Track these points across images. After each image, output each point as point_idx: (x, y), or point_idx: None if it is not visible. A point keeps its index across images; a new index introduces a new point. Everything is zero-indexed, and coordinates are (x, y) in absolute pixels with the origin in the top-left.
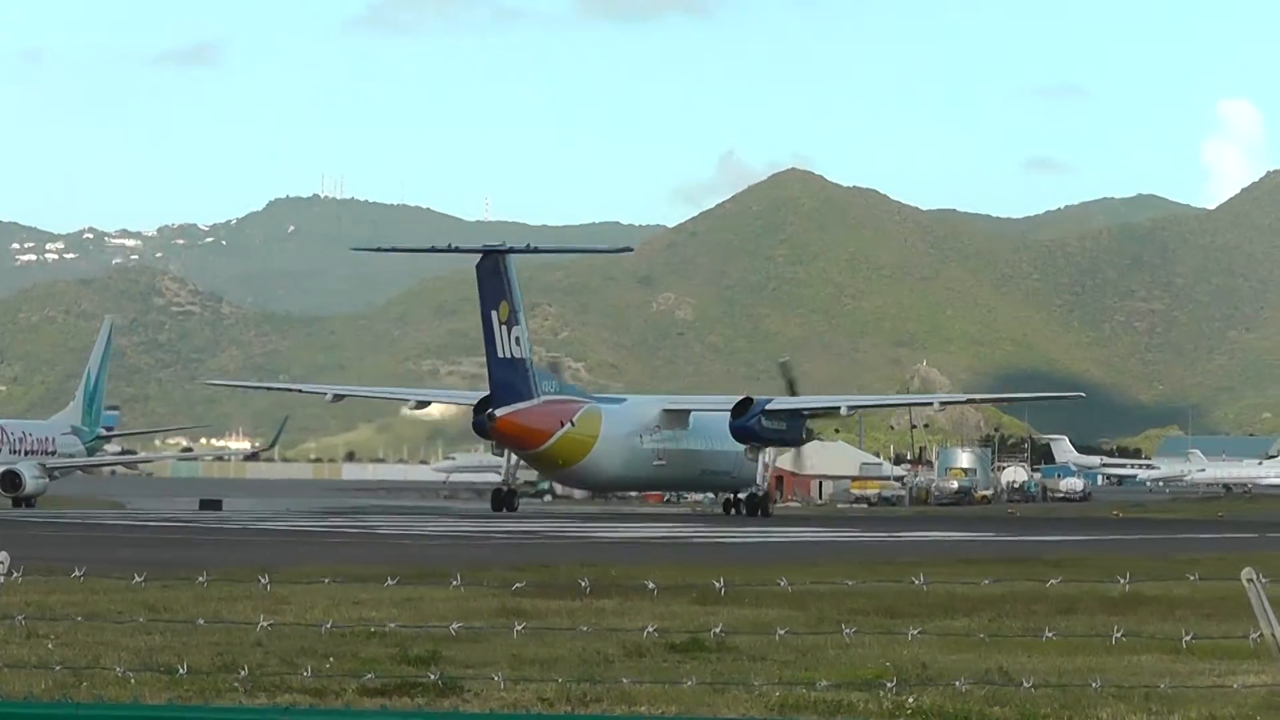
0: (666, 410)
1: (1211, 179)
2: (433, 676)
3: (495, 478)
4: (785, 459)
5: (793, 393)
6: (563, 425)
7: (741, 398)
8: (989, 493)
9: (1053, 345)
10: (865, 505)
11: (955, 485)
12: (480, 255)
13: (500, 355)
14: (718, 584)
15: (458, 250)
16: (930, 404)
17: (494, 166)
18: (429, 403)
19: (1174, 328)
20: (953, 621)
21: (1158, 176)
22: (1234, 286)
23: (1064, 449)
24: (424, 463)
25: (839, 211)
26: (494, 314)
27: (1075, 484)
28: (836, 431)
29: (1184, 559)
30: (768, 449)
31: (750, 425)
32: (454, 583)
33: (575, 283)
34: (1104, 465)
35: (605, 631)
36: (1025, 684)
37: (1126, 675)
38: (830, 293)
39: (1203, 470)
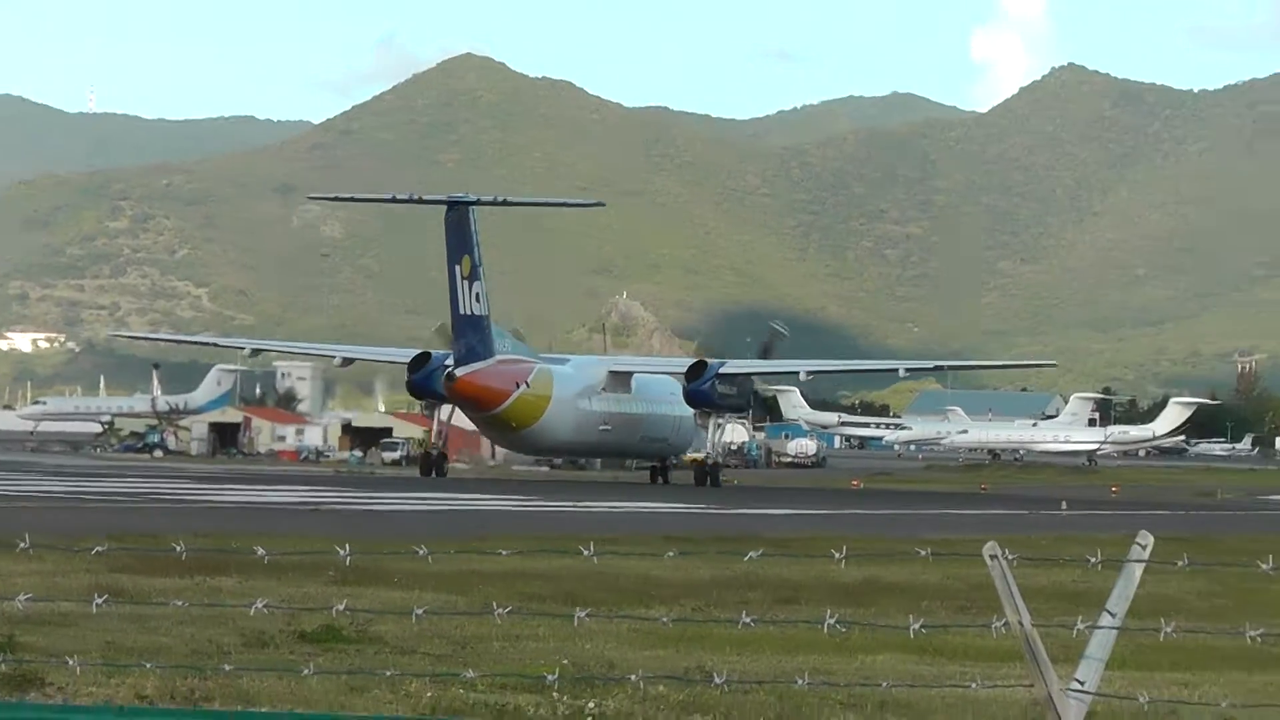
0: (612, 372)
1: (983, 77)
2: (2, 666)
3: (95, 428)
4: (449, 411)
5: (766, 358)
6: (519, 386)
7: (694, 360)
8: (701, 456)
9: (784, 276)
10: (547, 469)
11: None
12: (446, 207)
13: (462, 312)
14: (341, 551)
15: (422, 201)
16: (895, 370)
17: (99, 52)
18: (354, 360)
19: (934, 257)
20: (648, 610)
21: (917, 72)
22: (1009, 207)
23: (794, 403)
24: (8, 408)
25: (525, 108)
26: (457, 268)
27: (807, 446)
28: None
29: (935, 539)
30: (719, 415)
31: (705, 390)
32: (23, 547)
33: (198, 190)
34: (842, 424)
35: (219, 616)
36: (730, 686)
37: (858, 677)
38: (512, 208)
39: (964, 432)
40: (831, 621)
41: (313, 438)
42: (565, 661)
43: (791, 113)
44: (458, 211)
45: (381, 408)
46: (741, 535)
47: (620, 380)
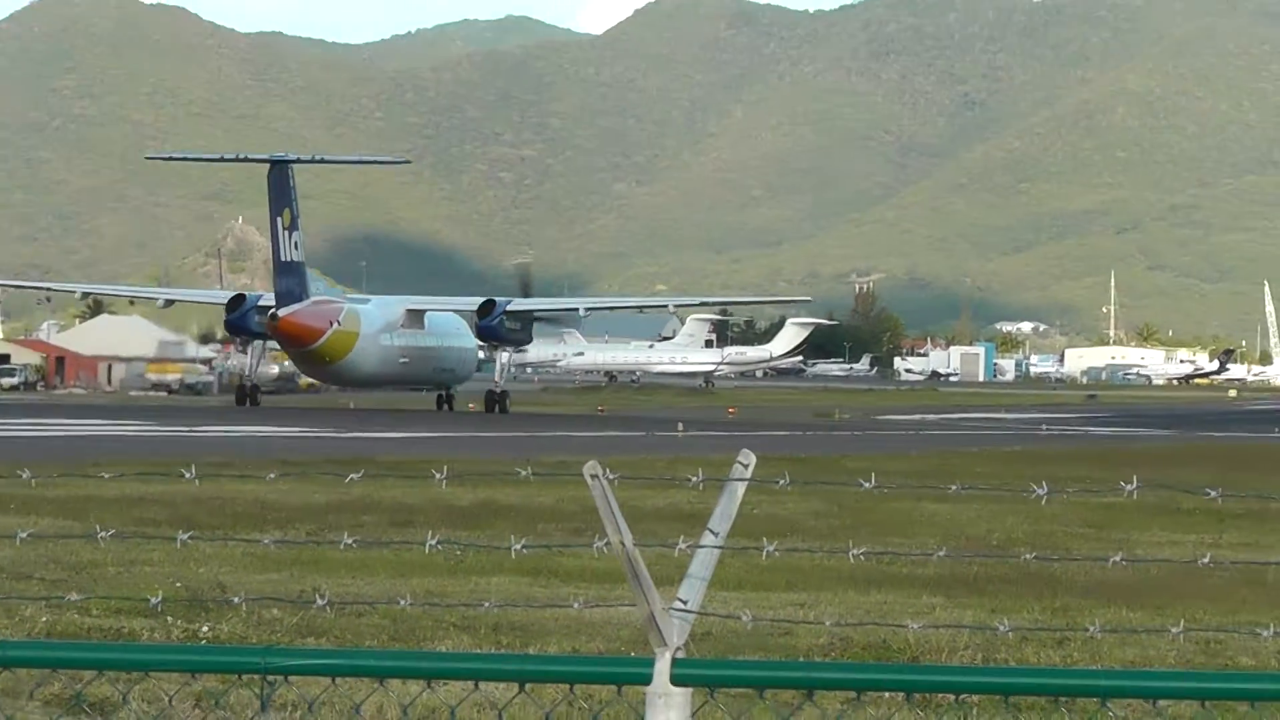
0: (409, 310)
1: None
2: None
3: None
4: (65, 337)
5: (527, 294)
6: (331, 325)
7: (484, 299)
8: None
9: (399, 200)
10: (165, 393)
11: (276, 370)
12: (269, 165)
13: (283, 259)
14: None
15: (249, 160)
16: (665, 306)
17: None
18: (174, 302)
19: (549, 179)
20: (263, 535)
21: None
22: (623, 129)
23: None
24: None
25: (139, 35)
26: (279, 220)
27: None
28: (132, 304)
29: (551, 461)
30: (505, 348)
31: (494, 326)
32: None
33: None
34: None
35: None
36: (343, 609)
37: (471, 598)
38: (128, 134)
39: (580, 354)
40: (433, 543)
41: None
42: (178, 585)
43: (406, 37)
44: (279, 169)
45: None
46: (358, 457)
47: (415, 318)
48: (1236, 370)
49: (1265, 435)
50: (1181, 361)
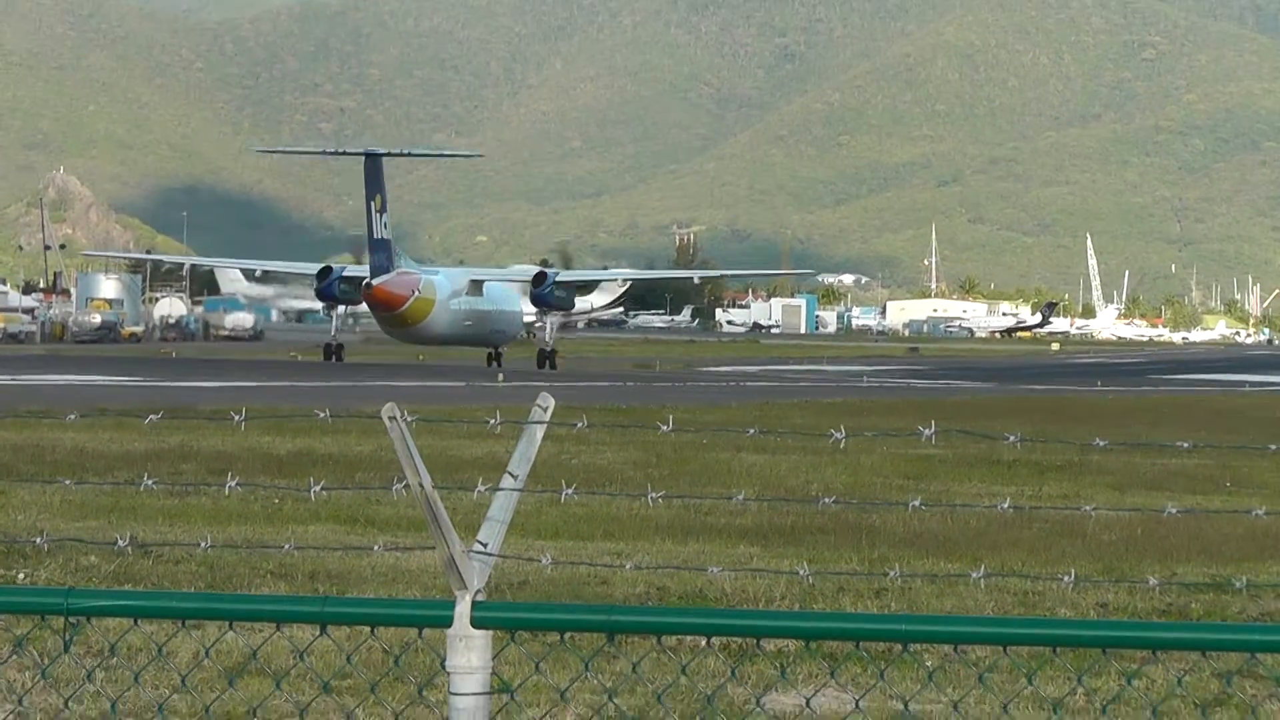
0: (472, 280)
1: None
2: None
3: None
4: None
5: (568, 267)
6: (414, 293)
7: (537, 271)
8: (139, 329)
9: (220, 151)
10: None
11: (98, 320)
12: (364, 158)
13: (375, 236)
14: None
15: (347, 154)
16: (691, 279)
17: None
18: (270, 273)
19: (368, 130)
20: (84, 486)
21: None
22: (443, 81)
23: (231, 279)
24: None
25: None
26: (372, 204)
27: (244, 320)
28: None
29: (372, 410)
30: (554, 313)
31: (546, 294)
32: None
33: None
34: (278, 297)
35: None
36: (162, 555)
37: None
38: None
39: None
40: (233, 484)
41: None
42: None
43: None
44: (373, 161)
45: None
46: (177, 406)
47: (476, 287)
48: (1059, 323)
49: (1086, 389)
50: (1004, 314)
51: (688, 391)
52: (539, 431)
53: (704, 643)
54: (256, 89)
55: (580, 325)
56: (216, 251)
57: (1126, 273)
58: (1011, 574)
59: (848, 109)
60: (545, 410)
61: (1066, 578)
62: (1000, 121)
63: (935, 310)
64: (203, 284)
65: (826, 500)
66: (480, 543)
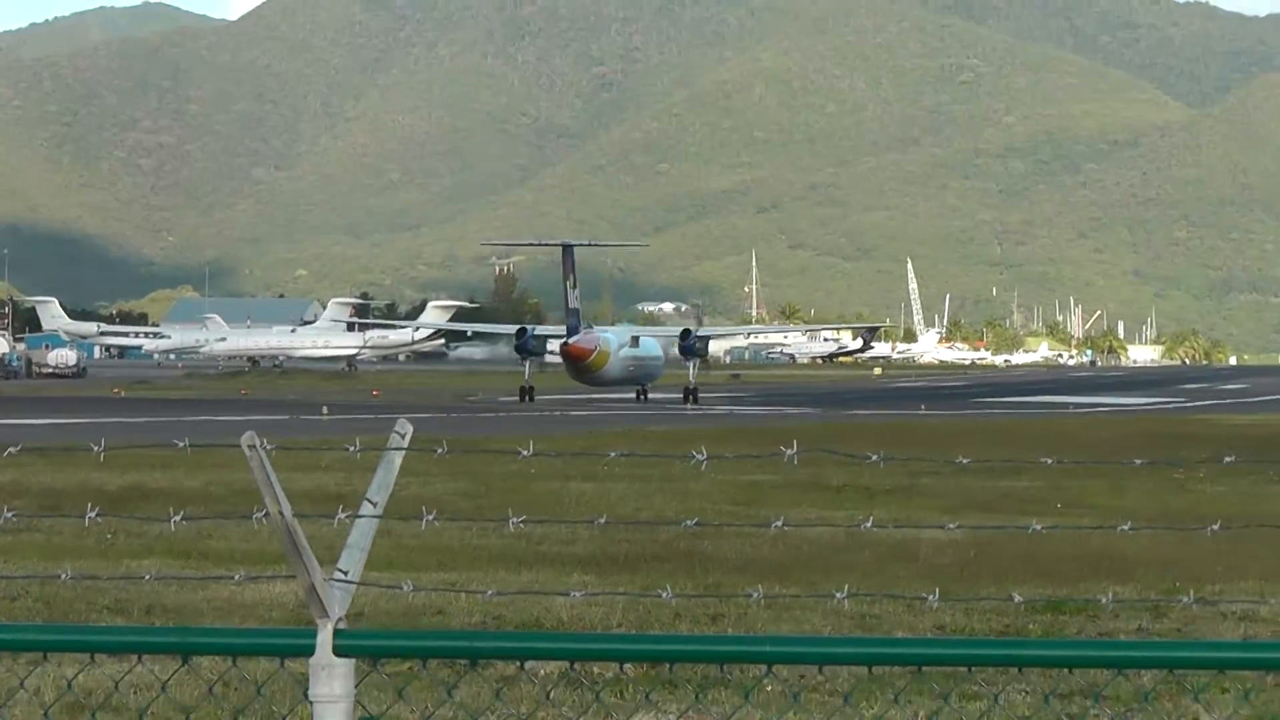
0: (633, 336)
1: None
2: None
3: None
4: None
5: (700, 324)
6: (596, 347)
7: (683, 329)
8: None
9: (38, 189)
10: None
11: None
12: (561, 248)
13: (570, 305)
14: None
15: (547, 245)
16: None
17: None
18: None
19: (187, 165)
20: None
21: None
22: (261, 115)
23: (53, 314)
24: None
25: None
26: (567, 282)
27: (67, 356)
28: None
29: (202, 445)
30: (695, 359)
31: (690, 345)
32: None
33: None
34: (102, 334)
35: None
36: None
37: (121, 581)
38: None
39: (223, 340)
40: (93, 514)
41: None
42: None
43: (44, 25)
44: (570, 250)
45: None
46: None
47: (634, 341)
48: (881, 348)
49: (910, 413)
50: (825, 340)
51: (513, 422)
52: (397, 458)
53: (566, 668)
54: (75, 125)
55: (402, 358)
56: (39, 290)
57: (948, 296)
58: (872, 594)
59: (666, 137)
60: (404, 437)
61: (932, 597)
62: (819, 147)
63: (755, 337)
64: (25, 320)
65: (687, 524)
66: (341, 570)
